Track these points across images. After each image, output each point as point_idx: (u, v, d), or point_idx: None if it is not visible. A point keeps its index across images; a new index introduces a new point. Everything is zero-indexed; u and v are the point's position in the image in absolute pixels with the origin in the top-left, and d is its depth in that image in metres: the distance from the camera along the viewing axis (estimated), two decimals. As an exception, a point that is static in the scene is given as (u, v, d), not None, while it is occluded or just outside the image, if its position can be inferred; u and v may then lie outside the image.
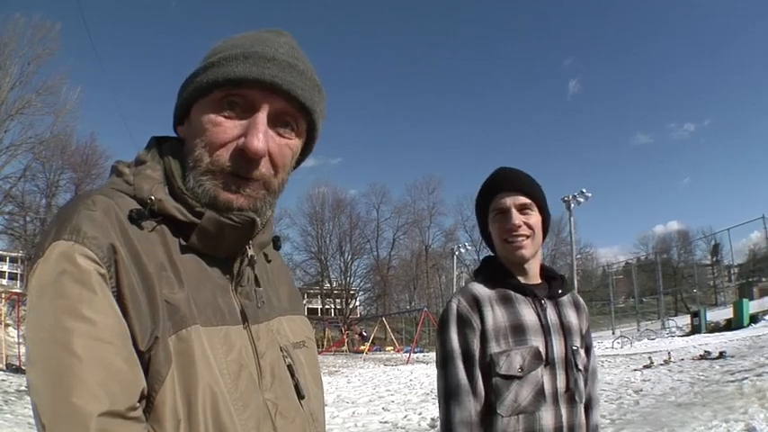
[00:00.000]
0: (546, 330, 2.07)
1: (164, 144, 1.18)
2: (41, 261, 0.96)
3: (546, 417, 1.98)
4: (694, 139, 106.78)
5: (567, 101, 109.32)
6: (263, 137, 1.10)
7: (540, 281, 2.24)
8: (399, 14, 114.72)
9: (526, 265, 2.18)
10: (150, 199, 1.07)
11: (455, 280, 65.73)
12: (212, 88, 1.11)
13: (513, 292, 2.14)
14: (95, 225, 0.98)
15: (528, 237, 2.14)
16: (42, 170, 50.02)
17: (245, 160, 1.10)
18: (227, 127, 1.11)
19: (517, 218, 2.13)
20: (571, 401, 2.06)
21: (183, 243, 1.10)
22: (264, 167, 1.13)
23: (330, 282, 75.47)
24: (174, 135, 1.23)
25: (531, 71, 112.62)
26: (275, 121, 1.14)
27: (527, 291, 2.15)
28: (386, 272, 76.23)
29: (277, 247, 1.38)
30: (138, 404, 0.93)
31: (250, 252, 1.18)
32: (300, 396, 1.21)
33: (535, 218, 2.16)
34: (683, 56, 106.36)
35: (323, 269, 74.68)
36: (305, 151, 1.28)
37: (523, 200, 2.15)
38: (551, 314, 2.13)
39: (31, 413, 6.98)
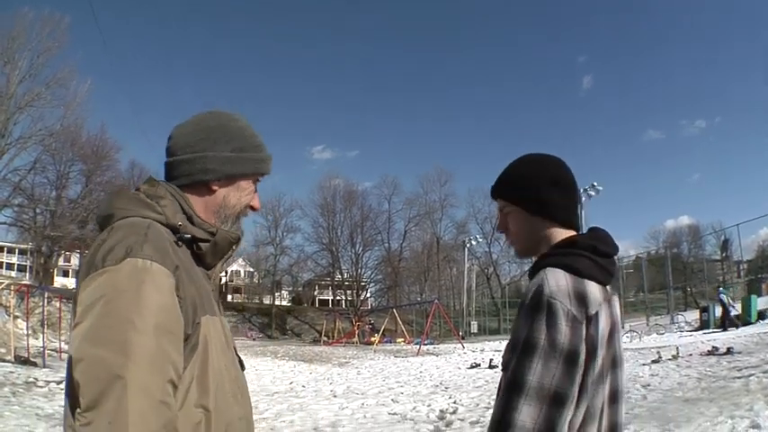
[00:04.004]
0: None
1: (164, 184, 1.62)
2: (112, 270, 1.31)
3: None
4: (705, 135, 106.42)
5: (581, 97, 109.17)
6: None
7: None
8: (415, 10, 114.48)
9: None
10: (179, 224, 1.51)
11: (466, 272, 65.59)
12: (262, 175, 1.75)
13: None
14: (160, 247, 1.39)
15: (511, 240, 1.91)
16: (52, 162, 50.28)
17: (250, 211, 1.76)
18: (253, 195, 1.75)
19: (498, 224, 1.96)
20: None
21: (198, 251, 1.57)
22: None
23: (341, 273, 75.53)
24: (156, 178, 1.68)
25: (546, 67, 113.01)
26: None
27: None
28: (397, 263, 76.23)
29: None
30: (176, 379, 1.34)
31: (221, 262, 1.69)
32: (243, 368, 1.69)
33: (510, 216, 1.89)
34: (695, 53, 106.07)
35: (334, 260, 74.78)
36: None
37: (497, 203, 1.95)
38: None
39: (37, 404, 8.19)
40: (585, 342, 1.58)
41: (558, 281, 1.63)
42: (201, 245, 1.57)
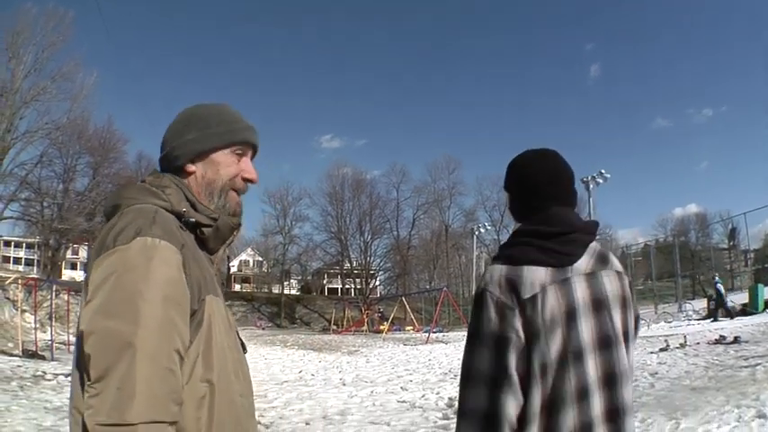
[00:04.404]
0: None
1: (168, 175, 1.71)
2: (123, 248, 1.39)
3: None
4: (712, 124, 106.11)
5: (589, 85, 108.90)
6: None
7: None
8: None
9: None
10: (184, 210, 1.61)
11: (474, 260, 65.48)
12: (237, 144, 1.76)
13: None
14: (167, 229, 1.48)
15: None
16: (59, 155, 50.52)
17: (247, 185, 1.80)
18: (239, 167, 1.77)
19: None
20: None
21: (201, 236, 1.67)
22: None
23: (350, 261, 75.51)
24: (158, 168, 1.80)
25: (554, 55, 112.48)
26: None
27: None
28: (406, 252, 76.19)
29: None
30: (183, 350, 1.40)
31: (223, 247, 1.78)
32: (245, 350, 1.75)
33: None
34: (703, 42, 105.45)
35: (343, 249, 74.77)
36: None
37: None
38: None
39: (45, 398, 8.18)
40: (524, 326, 1.67)
41: (492, 273, 1.76)
42: (204, 230, 1.67)
